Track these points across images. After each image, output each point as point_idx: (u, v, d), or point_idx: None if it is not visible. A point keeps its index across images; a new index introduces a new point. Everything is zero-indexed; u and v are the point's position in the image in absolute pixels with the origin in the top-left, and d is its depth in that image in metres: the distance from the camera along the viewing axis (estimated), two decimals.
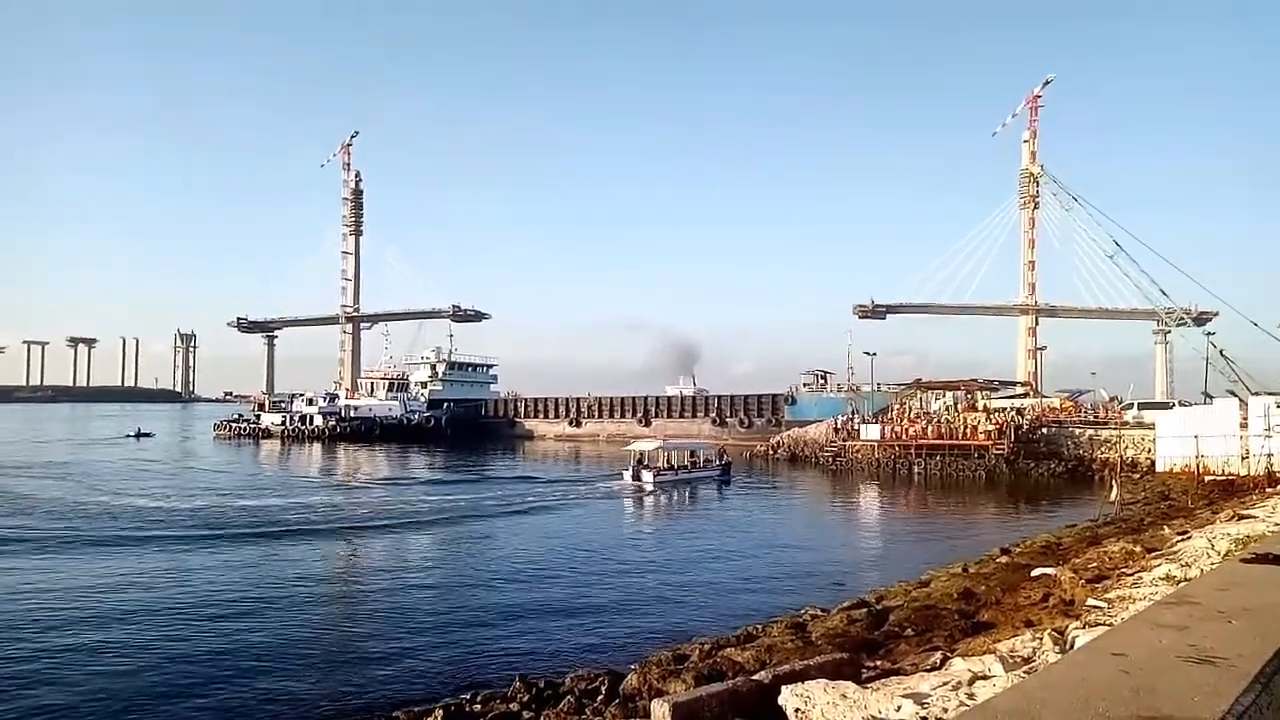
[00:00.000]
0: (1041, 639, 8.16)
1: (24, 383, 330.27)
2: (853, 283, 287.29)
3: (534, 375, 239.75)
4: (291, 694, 12.05)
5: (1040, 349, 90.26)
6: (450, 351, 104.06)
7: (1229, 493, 29.03)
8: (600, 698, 10.07)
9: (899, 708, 5.81)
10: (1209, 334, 61.30)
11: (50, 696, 11.85)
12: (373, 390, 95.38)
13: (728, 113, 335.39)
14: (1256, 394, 41.67)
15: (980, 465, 45.08)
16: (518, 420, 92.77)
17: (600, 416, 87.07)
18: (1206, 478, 33.32)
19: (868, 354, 67.04)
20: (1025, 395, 64.76)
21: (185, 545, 24.23)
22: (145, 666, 13.19)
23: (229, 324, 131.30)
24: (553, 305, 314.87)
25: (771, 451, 59.73)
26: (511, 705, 10.33)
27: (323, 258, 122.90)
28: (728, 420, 77.40)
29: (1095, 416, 54.91)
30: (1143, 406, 54.16)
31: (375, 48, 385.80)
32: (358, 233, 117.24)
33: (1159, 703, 2.64)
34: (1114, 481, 32.89)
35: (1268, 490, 27.18)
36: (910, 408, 55.25)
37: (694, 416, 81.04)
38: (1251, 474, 32.44)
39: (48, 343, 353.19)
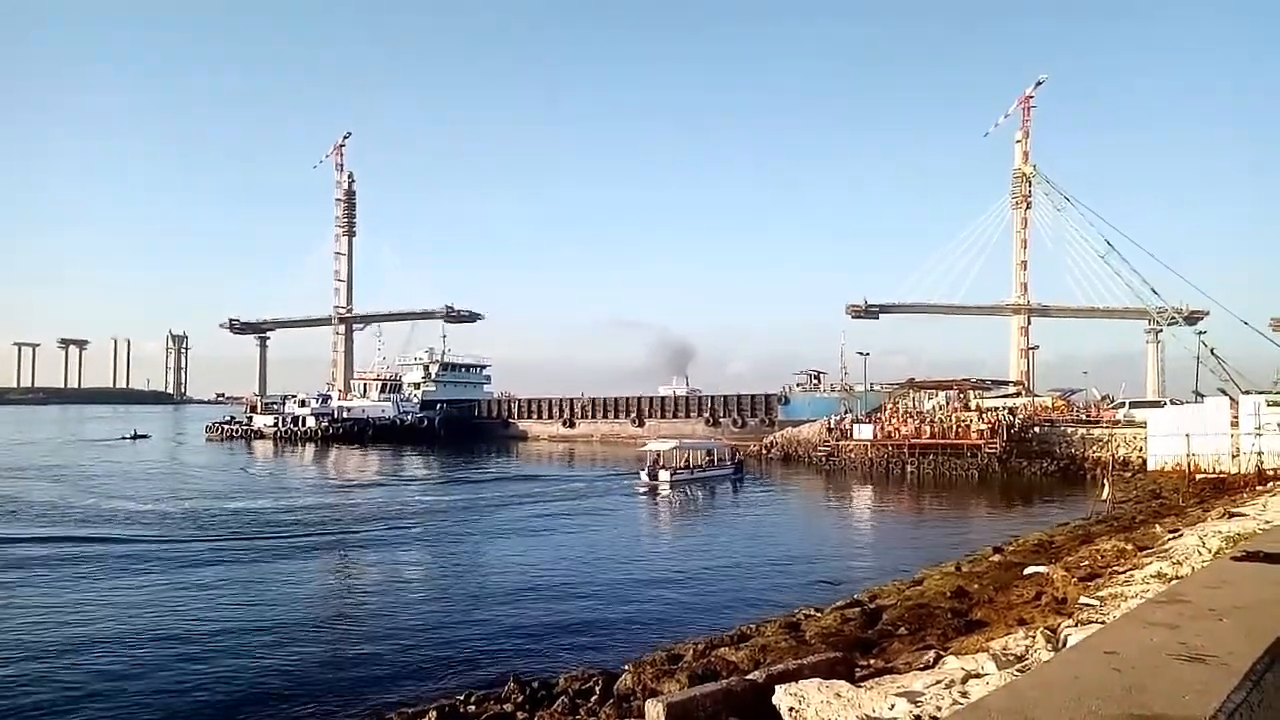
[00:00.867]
0: (1034, 637, 8.19)
1: (14, 385, 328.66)
2: (846, 283, 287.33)
3: (527, 376, 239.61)
4: (285, 695, 12.01)
5: (1032, 348, 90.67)
6: (443, 352, 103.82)
7: (1220, 491, 29.19)
8: (594, 698, 10.06)
9: (892, 706, 5.82)
10: (1200, 333, 61.52)
11: (50, 696, 11.80)
12: (366, 391, 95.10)
13: (721, 114, 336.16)
14: (1247, 393, 41.92)
15: (973, 464, 45.18)
16: (511, 421, 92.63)
17: (594, 417, 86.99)
18: (1198, 476, 33.47)
19: (861, 354, 67.16)
20: (1018, 394, 64.99)
21: (178, 550, 24.14)
22: (138, 667, 13.13)
23: (221, 325, 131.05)
24: (546, 306, 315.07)
25: (765, 451, 59.75)
26: (505, 706, 10.31)
27: (316, 259, 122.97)
28: (721, 420, 77.43)
29: (1087, 415, 55.16)
30: (1134, 405, 54.44)
31: (370, 47, 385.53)
32: (351, 233, 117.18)
33: (1151, 701, 2.65)
34: (1106, 480, 33.03)
35: (1258, 488, 27.32)
36: (903, 407, 55.38)
37: (687, 416, 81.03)
38: (1242, 472, 32.62)
39: (39, 344, 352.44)
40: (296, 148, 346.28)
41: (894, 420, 52.10)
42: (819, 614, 14.02)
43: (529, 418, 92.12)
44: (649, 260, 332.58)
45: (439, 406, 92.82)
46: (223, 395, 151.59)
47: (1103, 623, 7.78)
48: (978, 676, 6.59)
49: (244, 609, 17.06)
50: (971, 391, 55.66)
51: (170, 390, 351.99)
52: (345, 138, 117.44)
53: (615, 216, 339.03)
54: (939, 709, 5.50)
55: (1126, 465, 41.69)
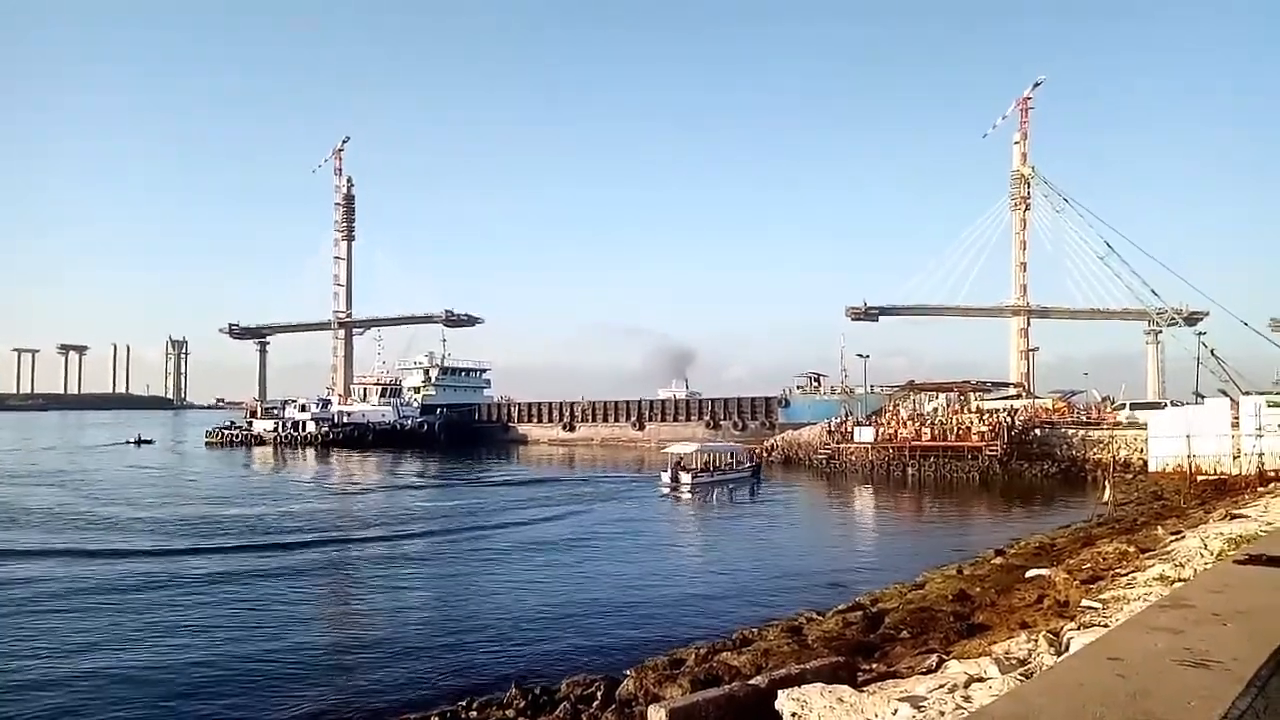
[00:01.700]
0: (1036, 640, 8.18)
1: (14, 391, 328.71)
2: (846, 284, 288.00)
3: (527, 380, 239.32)
4: (286, 701, 11.98)
5: (1032, 350, 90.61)
6: (443, 357, 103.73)
7: (1221, 492, 29.18)
8: (596, 704, 10.05)
9: (895, 711, 5.81)
10: (1200, 334, 61.51)
11: (55, 699, 11.78)
12: (365, 396, 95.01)
13: (721, 115, 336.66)
14: (1247, 393, 41.89)
15: (974, 466, 45.16)
16: (511, 425, 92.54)
17: (594, 421, 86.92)
18: (1199, 477, 33.45)
19: (861, 356, 67.07)
20: (1018, 396, 64.96)
21: (178, 553, 24.12)
22: (140, 672, 13.11)
23: (221, 330, 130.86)
24: (546, 310, 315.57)
25: (765, 454, 59.67)
26: (507, 712, 10.30)
27: (315, 263, 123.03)
28: (721, 423, 77.34)
29: (1088, 417, 55.12)
30: (1135, 407, 54.41)
31: (370, 47, 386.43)
32: (349, 238, 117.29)
33: (1155, 707, 2.64)
34: (1107, 482, 32.99)
35: (1259, 489, 27.30)
36: (903, 410, 55.35)
37: (688, 420, 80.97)
38: (1243, 473, 32.60)
39: (38, 350, 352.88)
40: (296, 149, 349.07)
41: (894, 423, 52.09)
42: (821, 618, 14.01)
43: (529, 421, 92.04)
44: (648, 264, 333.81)
45: (439, 411, 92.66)
46: (222, 400, 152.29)
47: (1105, 626, 7.77)
48: (980, 680, 6.57)
49: (246, 614, 17.03)
50: (972, 393, 55.62)
51: (170, 396, 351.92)
52: (344, 142, 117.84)
53: (615, 218, 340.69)
54: (942, 713, 5.49)
55: (1127, 467, 41.68)
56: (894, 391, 61.22)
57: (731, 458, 47.25)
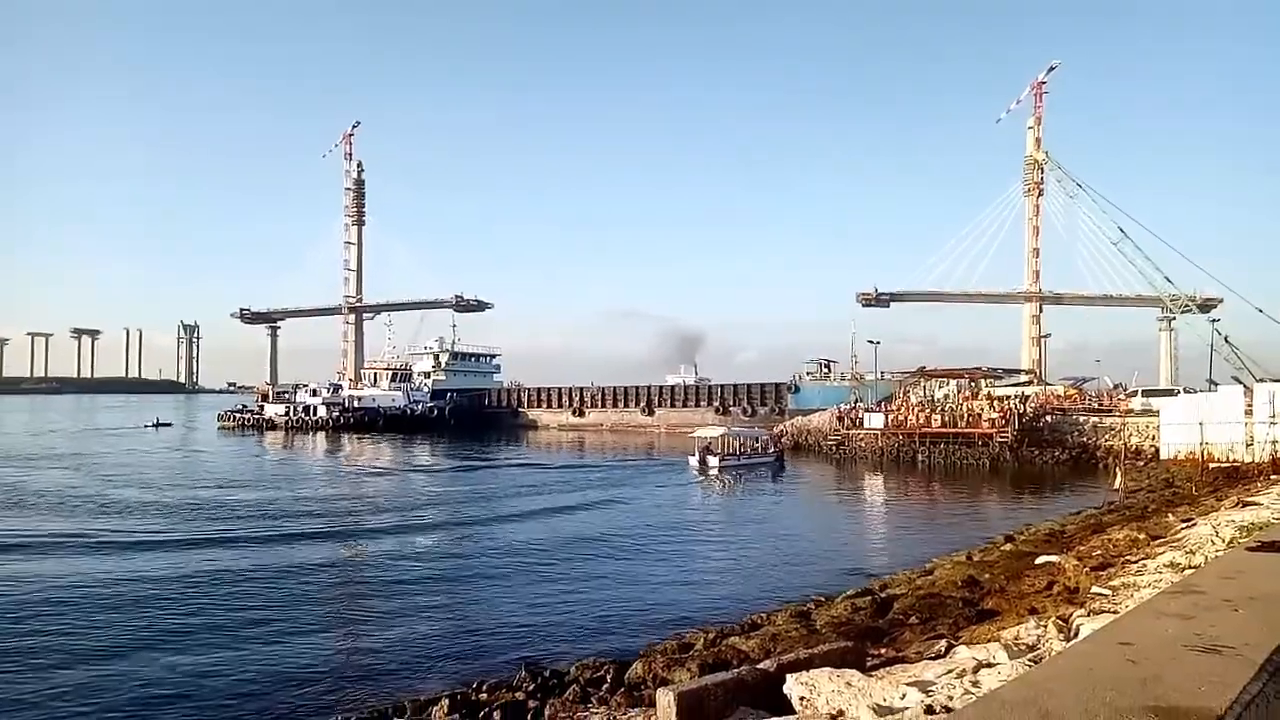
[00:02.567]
0: (1046, 627, 8.18)
1: (29, 374, 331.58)
2: (857, 271, 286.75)
3: (537, 366, 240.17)
4: (298, 681, 12.10)
5: (1045, 336, 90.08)
6: (453, 342, 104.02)
7: (1233, 480, 29.00)
8: (605, 686, 10.11)
9: (904, 696, 5.81)
10: (1214, 321, 61.30)
11: (66, 678, 11.95)
12: (376, 381, 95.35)
13: (733, 107, 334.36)
14: (1261, 381, 41.64)
15: (984, 453, 45.01)
16: (521, 410, 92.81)
17: (603, 406, 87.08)
18: (1211, 465, 33.26)
19: (871, 342, 66.90)
20: (1030, 383, 64.67)
21: (191, 536, 24.32)
22: (151, 649, 13.27)
23: (232, 315, 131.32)
24: (556, 296, 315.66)
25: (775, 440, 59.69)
26: (517, 694, 10.36)
27: (326, 248, 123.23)
28: (731, 409, 77.32)
29: (1100, 404, 54.87)
30: (1147, 394, 54.09)
31: (382, 42, 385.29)
32: (360, 223, 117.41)
33: (1166, 692, 2.63)
34: (1118, 469, 32.88)
35: (1272, 477, 27.13)
36: (914, 396, 55.20)
37: (697, 405, 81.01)
38: (1256, 461, 32.41)
39: (51, 334, 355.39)
40: (306, 139, 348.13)
41: (905, 409, 51.96)
42: (829, 603, 14.05)
43: (539, 407, 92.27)
44: (658, 250, 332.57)
45: (449, 396, 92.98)
46: (234, 385, 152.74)
47: (1115, 613, 7.75)
48: (989, 666, 6.57)
49: (257, 596, 17.18)
50: (983, 380, 55.37)
51: (182, 380, 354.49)
52: (354, 126, 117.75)
53: (625, 209, 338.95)
54: (950, 699, 5.49)
55: (1139, 454, 41.47)
56: (905, 378, 61.00)
57: (757, 442, 48.36)
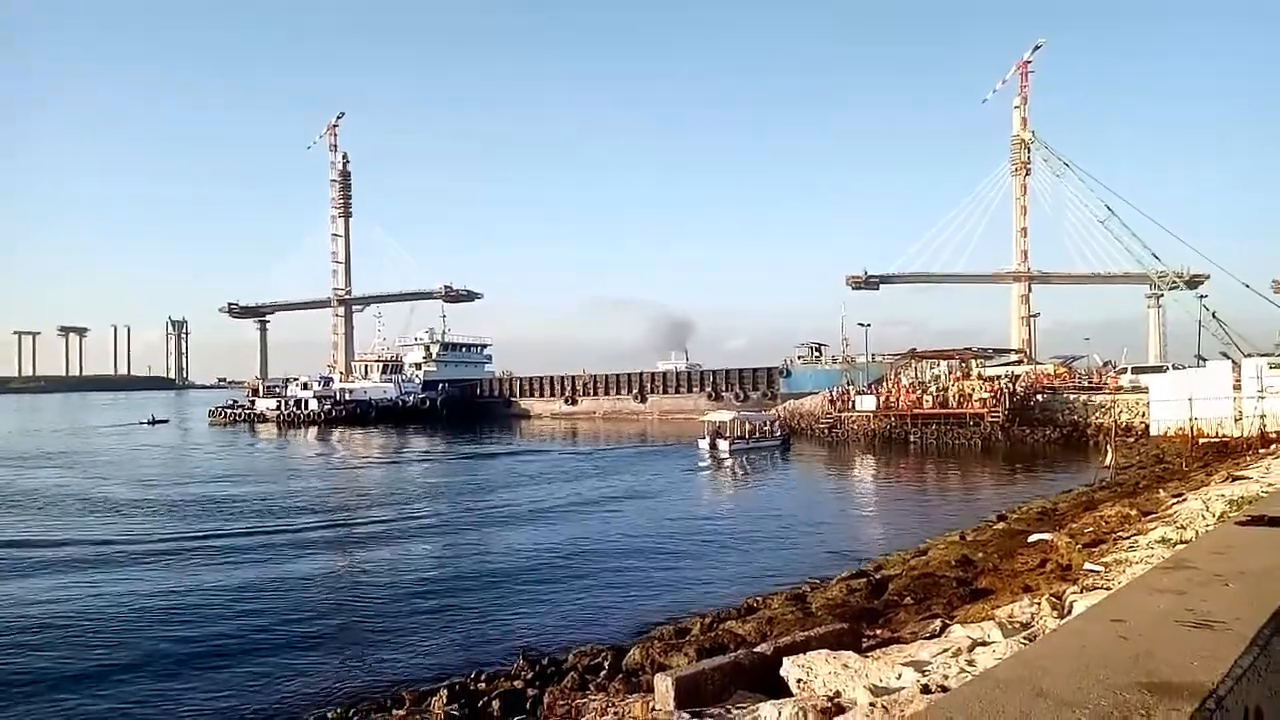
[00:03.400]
0: (1039, 604, 8.24)
1: (15, 373, 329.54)
2: (846, 254, 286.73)
3: (528, 355, 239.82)
4: (296, 673, 12.11)
5: (1034, 316, 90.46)
6: (444, 332, 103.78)
7: (1223, 455, 29.27)
8: (603, 673, 10.15)
9: (900, 676, 5.86)
10: (1201, 297, 61.51)
11: (69, 666, 11.93)
12: (367, 373, 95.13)
13: (721, 91, 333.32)
14: (1249, 356, 41.91)
15: (976, 433, 45.22)
16: (513, 400, 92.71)
17: (595, 394, 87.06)
18: (1200, 440, 33.51)
19: (862, 325, 67.01)
20: (1020, 362, 64.94)
21: (187, 531, 24.25)
22: (150, 644, 13.26)
23: (221, 310, 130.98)
24: (546, 284, 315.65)
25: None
26: (515, 683, 10.41)
27: (314, 241, 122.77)
28: (723, 394, 77.46)
29: (1089, 382, 55.15)
30: (1136, 370, 54.38)
31: (368, 31, 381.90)
32: (347, 214, 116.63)
33: (1158, 667, 2.65)
34: (1109, 446, 33.05)
35: (1261, 451, 27.39)
36: (905, 378, 55.36)
37: (689, 391, 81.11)
38: (1245, 435, 32.69)
39: (38, 333, 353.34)
40: (292, 130, 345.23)
41: (896, 391, 52.11)
42: (824, 585, 14.13)
43: (531, 396, 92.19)
44: (647, 240, 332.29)
45: (440, 386, 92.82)
46: (224, 380, 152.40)
47: (1107, 589, 7.82)
48: (984, 645, 6.63)
49: (254, 588, 17.15)
50: (974, 360, 55.57)
51: (172, 376, 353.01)
52: (339, 118, 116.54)
53: (613, 196, 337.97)
54: (946, 678, 5.53)
55: (1129, 431, 41.74)
56: (895, 360, 61.17)
57: (765, 426, 48.94)
